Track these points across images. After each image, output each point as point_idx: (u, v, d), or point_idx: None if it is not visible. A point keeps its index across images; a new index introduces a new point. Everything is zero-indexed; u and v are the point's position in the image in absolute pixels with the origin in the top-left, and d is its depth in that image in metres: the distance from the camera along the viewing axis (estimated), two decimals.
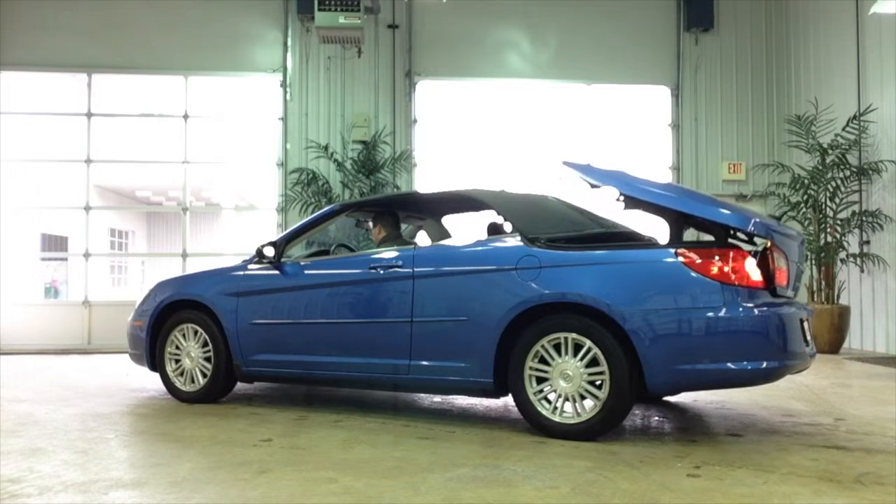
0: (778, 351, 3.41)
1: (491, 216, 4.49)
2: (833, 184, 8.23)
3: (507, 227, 4.20)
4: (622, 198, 3.95)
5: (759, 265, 3.57)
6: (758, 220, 3.55)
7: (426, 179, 9.84)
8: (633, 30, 10.04)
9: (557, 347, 3.58)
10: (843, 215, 8.25)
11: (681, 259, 3.44)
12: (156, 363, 4.93)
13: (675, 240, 3.78)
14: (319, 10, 8.44)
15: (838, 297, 8.16)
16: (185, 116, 9.65)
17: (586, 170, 4.07)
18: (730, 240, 3.70)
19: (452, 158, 10.05)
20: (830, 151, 8.25)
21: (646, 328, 3.39)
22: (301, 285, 4.49)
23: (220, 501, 2.58)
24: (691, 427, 3.97)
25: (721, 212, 3.56)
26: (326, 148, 9.36)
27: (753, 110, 10.11)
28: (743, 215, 3.54)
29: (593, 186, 4.01)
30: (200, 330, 4.76)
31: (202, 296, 4.78)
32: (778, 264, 3.57)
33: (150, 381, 5.60)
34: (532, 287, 3.65)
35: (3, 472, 2.98)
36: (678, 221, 3.79)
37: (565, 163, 4.10)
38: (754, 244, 3.68)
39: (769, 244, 3.52)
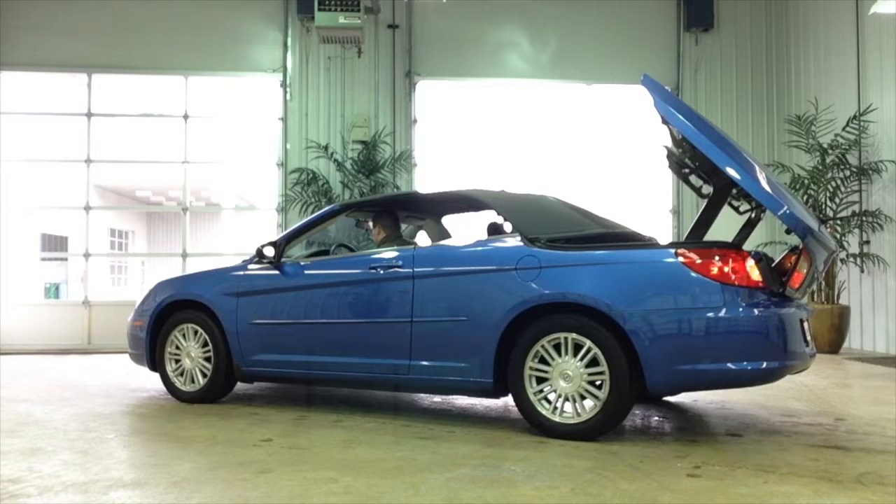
0: (778, 351, 3.41)
1: (491, 216, 4.49)
2: (833, 184, 8.23)
3: (507, 227, 4.20)
4: (685, 144, 3.86)
5: (783, 261, 3.58)
6: (797, 214, 3.42)
7: (426, 179, 9.83)
8: (633, 30, 10.05)
9: (557, 347, 3.58)
10: (843, 215, 8.25)
11: (681, 259, 3.44)
12: (156, 363, 4.93)
13: (716, 202, 3.99)
14: (319, 10, 8.44)
15: (838, 297, 8.16)
16: (185, 116, 9.65)
17: (664, 98, 3.76)
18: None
19: (452, 158, 10.06)
20: (830, 151, 8.24)
21: (646, 328, 3.38)
22: (301, 285, 4.49)
23: (220, 501, 2.58)
24: (691, 427, 3.97)
25: (760, 188, 3.43)
26: (326, 148, 9.36)
27: (753, 110, 10.11)
28: (777, 200, 3.40)
29: (662, 121, 3.84)
30: (200, 330, 4.76)
31: (202, 296, 4.78)
32: (799, 267, 3.54)
33: (150, 381, 5.60)
34: (532, 287, 3.65)
35: (3, 472, 2.98)
36: (726, 187, 3.91)
37: (645, 78, 3.81)
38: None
39: (801, 245, 3.49)
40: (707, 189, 4.31)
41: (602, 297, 3.48)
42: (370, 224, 5.11)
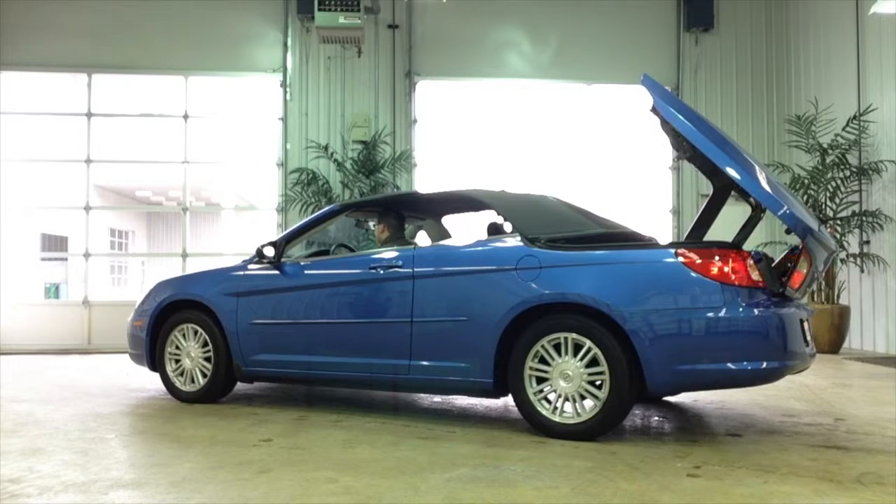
0: (778, 351, 3.41)
1: (491, 216, 4.48)
2: (833, 184, 8.23)
3: (507, 227, 4.20)
4: (685, 143, 3.86)
5: (783, 261, 3.58)
6: (797, 214, 3.42)
7: (426, 179, 9.84)
8: (633, 30, 10.05)
9: (557, 347, 3.58)
10: (843, 215, 8.25)
11: (681, 259, 3.44)
12: (156, 363, 4.93)
13: (716, 202, 4.07)
14: (319, 10, 8.45)
15: (838, 297, 8.16)
16: (185, 116, 9.66)
17: (665, 98, 3.78)
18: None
19: (452, 158, 10.06)
20: (830, 151, 8.25)
21: (646, 328, 3.38)
22: (301, 285, 4.49)
23: (220, 501, 2.58)
24: (691, 427, 3.97)
25: (759, 188, 3.45)
26: (326, 148, 9.36)
27: (753, 110, 10.12)
28: (777, 200, 3.41)
29: (664, 123, 3.87)
30: (200, 330, 4.76)
31: (202, 296, 4.78)
32: (799, 267, 3.54)
33: (150, 381, 5.60)
34: (532, 287, 3.65)
35: (3, 472, 2.98)
36: (727, 187, 3.96)
37: (645, 78, 3.82)
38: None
39: (801, 245, 3.49)
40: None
41: (602, 297, 3.48)
42: (371, 224, 5.10)
